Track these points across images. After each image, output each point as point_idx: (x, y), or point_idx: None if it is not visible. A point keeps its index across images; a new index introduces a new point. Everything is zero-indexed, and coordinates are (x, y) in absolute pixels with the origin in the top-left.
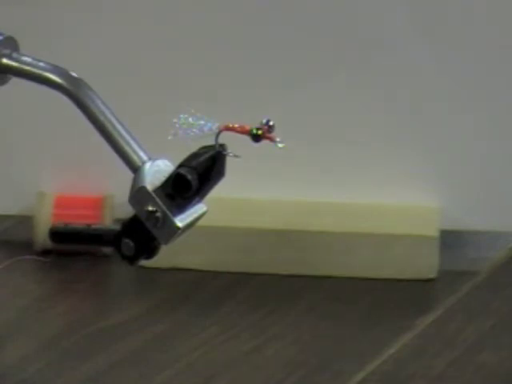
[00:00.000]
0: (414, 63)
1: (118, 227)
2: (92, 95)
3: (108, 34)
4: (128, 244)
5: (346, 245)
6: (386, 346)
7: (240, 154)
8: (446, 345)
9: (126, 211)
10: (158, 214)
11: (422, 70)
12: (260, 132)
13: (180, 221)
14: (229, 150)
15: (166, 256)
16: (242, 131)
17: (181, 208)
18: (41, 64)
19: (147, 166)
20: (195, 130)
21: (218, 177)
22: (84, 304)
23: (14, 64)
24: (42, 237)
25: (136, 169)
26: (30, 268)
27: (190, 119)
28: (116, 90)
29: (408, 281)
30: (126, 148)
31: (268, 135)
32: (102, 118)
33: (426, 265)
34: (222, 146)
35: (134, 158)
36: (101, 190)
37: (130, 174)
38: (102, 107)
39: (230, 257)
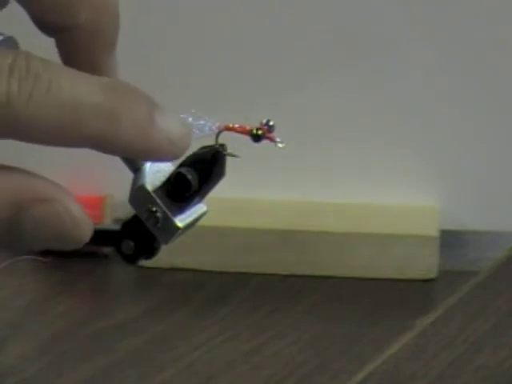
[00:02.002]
0: (414, 63)
1: (118, 227)
2: None
3: None
4: (128, 244)
5: (346, 245)
6: (385, 346)
7: (240, 154)
8: (445, 345)
9: (126, 211)
10: (158, 214)
11: (422, 70)
12: (260, 132)
13: (180, 221)
14: (229, 150)
15: (166, 256)
16: (242, 131)
17: (181, 208)
18: None
19: (147, 166)
20: (195, 130)
21: (219, 177)
22: (84, 304)
23: None
24: None
25: (136, 169)
26: (30, 268)
27: (190, 119)
28: None
29: (408, 281)
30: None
31: (268, 135)
32: None
33: (426, 265)
34: (222, 145)
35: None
36: (101, 190)
37: (129, 174)
38: None
39: (230, 257)
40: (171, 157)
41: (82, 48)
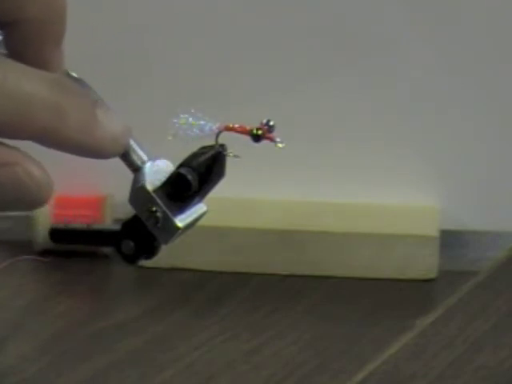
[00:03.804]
0: (415, 63)
1: (118, 227)
2: (92, 95)
3: (108, 33)
4: (128, 244)
5: (346, 245)
6: (385, 346)
7: (240, 154)
8: (445, 345)
9: (126, 211)
10: (158, 214)
11: (422, 70)
12: (260, 132)
13: (180, 221)
14: (229, 150)
15: (166, 256)
16: (242, 131)
17: (181, 208)
18: None
19: (147, 166)
20: (195, 130)
21: (219, 177)
22: (84, 304)
23: None
24: (41, 237)
25: (136, 169)
26: (30, 268)
27: (190, 119)
28: (116, 90)
29: (408, 281)
30: (126, 148)
31: (268, 135)
32: None
33: (426, 265)
34: (222, 146)
35: (134, 158)
36: (101, 189)
37: (130, 174)
38: None
39: (230, 257)
40: (112, 153)
41: (29, 42)
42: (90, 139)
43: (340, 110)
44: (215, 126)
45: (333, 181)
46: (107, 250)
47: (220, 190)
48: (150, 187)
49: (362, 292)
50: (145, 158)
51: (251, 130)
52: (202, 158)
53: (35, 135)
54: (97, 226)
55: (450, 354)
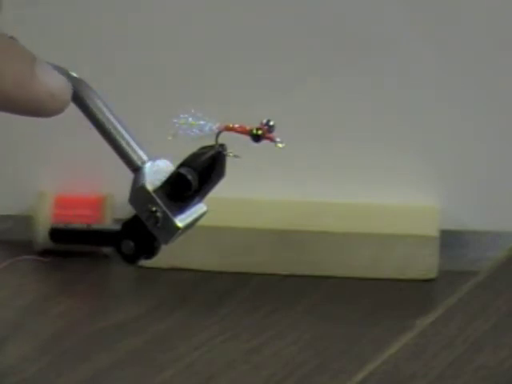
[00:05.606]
0: (414, 63)
1: (118, 227)
2: (92, 95)
3: (108, 33)
4: (128, 244)
5: (346, 245)
6: (385, 346)
7: (240, 154)
8: (445, 345)
9: (126, 211)
10: (159, 214)
11: (423, 71)
12: (260, 132)
13: (180, 221)
14: (229, 150)
15: (166, 256)
16: (242, 131)
17: (181, 208)
18: None
19: (147, 166)
20: (195, 130)
21: (218, 177)
22: (84, 304)
23: None
24: (42, 237)
25: (136, 169)
26: (30, 268)
27: (190, 119)
28: (116, 90)
29: (408, 281)
30: (127, 148)
31: (268, 135)
32: (102, 118)
33: (426, 265)
34: (222, 145)
35: (134, 158)
36: (101, 190)
37: (130, 174)
38: (103, 107)
39: (230, 257)
40: (52, 110)
41: None
42: (27, 95)
43: (340, 109)
44: (215, 126)
45: (333, 181)
46: (107, 250)
47: (220, 190)
48: (150, 187)
49: (362, 292)
50: (145, 157)
51: (251, 130)
52: (202, 158)
53: None
54: (97, 226)
55: (450, 354)
